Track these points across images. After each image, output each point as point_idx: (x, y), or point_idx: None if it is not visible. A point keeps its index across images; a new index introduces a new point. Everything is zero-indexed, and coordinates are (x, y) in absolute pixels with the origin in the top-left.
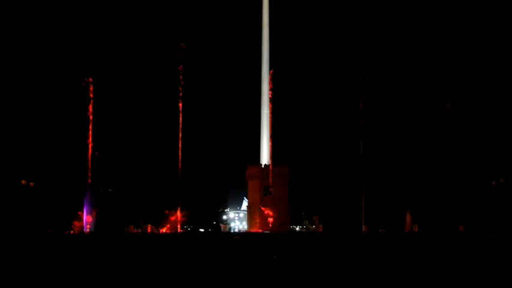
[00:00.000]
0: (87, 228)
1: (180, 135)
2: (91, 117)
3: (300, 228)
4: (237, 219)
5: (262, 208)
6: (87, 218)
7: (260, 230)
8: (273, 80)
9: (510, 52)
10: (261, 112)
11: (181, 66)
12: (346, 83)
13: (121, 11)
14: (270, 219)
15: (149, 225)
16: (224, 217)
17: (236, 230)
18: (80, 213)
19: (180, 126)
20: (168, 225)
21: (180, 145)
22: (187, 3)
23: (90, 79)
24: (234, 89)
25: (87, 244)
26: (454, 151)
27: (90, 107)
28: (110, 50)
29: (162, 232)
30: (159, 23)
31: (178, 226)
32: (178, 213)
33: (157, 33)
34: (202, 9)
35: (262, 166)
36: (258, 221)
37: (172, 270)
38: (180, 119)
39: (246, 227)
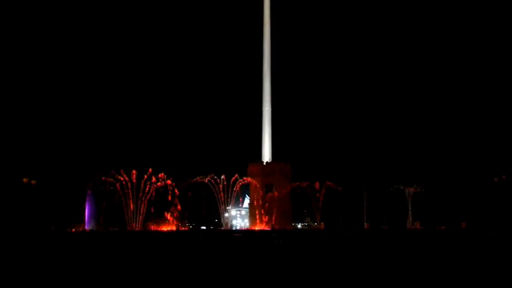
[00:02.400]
0: (89, 226)
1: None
2: None
3: (302, 225)
4: (238, 217)
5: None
6: (88, 216)
7: (262, 228)
8: (275, 77)
9: (510, 52)
10: (263, 110)
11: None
12: (347, 81)
13: (124, 6)
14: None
15: (150, 223)
16: (226, 215)
17: (238, 228)
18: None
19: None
20: (171, 223)
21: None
22: (191, 2)
23: None
24: (235, 86)
25: (91, 242)
26: (457, 148)
27: None
28: (107, 47)
29: (165, 230)
30: (162, 20)
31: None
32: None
33: (160, 30)
34: (205, 8)
35: (264, 163)
36: (259, 218)
37: (175, 267)
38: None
39: (247, 224)
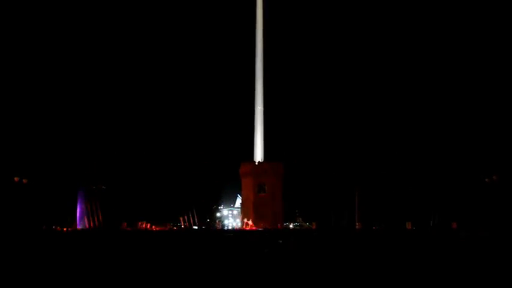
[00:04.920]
0: (80, 225)
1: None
2: None
3: (293, 225)
4: (230, 217)
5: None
6: (80, 215)
7: (254, 228)
8: (267, 77)
9: (501, 50)
10: (255, 109)
11: None
12: (341, 81)
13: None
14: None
15: (142, 222)
16: (218, 214)
17: (230, 228)
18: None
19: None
20: (162, 223)
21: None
22: (183, 2)
23: None
24: (228, 86)
25: (81, 241)
26: (447, 148)
27: None
28: (105, 44)
29: (156, 229)
30: (155, 21)
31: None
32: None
33: (153, 31)
34: (197, 7)
35: (256, 163)
36: (251, 218)
37: (167, 267)
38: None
39: (239, 224)
